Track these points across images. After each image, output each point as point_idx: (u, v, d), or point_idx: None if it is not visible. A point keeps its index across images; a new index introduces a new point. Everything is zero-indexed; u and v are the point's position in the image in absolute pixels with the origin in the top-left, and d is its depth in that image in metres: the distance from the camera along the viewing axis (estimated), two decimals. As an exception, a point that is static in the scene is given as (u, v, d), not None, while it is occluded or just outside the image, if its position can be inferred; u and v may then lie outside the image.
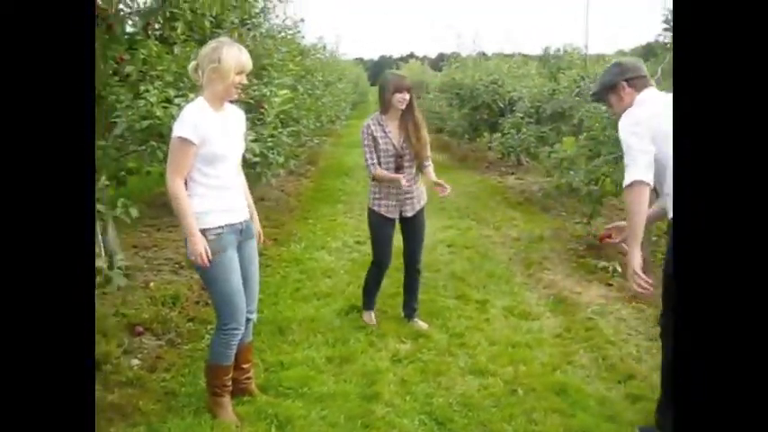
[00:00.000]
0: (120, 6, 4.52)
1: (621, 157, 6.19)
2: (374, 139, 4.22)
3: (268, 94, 5.49)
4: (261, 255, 6.06)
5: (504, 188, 10.56)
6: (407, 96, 4.20)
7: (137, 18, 4.90)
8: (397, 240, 4.53)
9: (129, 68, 4.85)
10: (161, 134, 4.17)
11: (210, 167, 3.04)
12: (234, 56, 2.99)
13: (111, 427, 3.20)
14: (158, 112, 4.12)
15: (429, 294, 5.16)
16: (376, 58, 77.01)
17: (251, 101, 5.28)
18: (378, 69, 48.83)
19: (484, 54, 16.93)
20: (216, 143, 3.01)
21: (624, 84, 3.14)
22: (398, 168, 4.25)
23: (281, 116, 5.51)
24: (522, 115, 10.97)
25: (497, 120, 12.64)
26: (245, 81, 3.11)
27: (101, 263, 3.76)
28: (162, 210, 7.48)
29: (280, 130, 5.53)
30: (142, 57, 4.79)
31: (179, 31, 4.83)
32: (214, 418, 3.24)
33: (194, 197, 3.02)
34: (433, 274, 5.72)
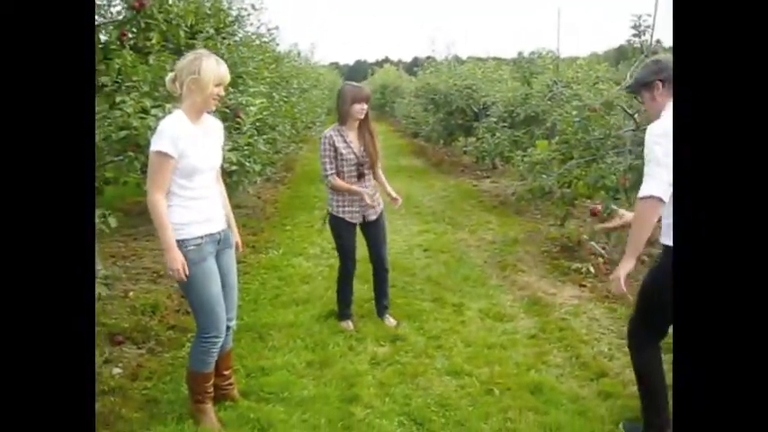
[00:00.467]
0: (96, 17, 4.55)
1: (593, 161, 6.37)
2: (335, 149, 4.33)
3: (244, 102, 5.54)
4: (239, 262, 6.10)
5: (479, 192, 10.68)
6: (366, 107, 4.34)
7: (111, 28, 4.93)
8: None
9: (104, 79, 4.88)
10: (138, 144, 4.19)
11: (188, 180, 3.06)
12: (212, 67, 3.02)
13: (94, 436, 3.23)
14: (135, 123, 4.14)
15: (406, 298, 5.24)
16: (351, 62, 76.97)
17: (227, 110, 5.32)
18: (353, 74, 48.89)
19: (458, 58, 17.07)
20: (194, 156, 3.03)
21: (659, 83, 2.91)
22: (360, 176, 4.40)
23: (258, 124, 5.55)
24: (496, 120, 11.10)
25: (472, 124, 12.78)
26: (222, 93, 3.14)
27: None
28: (138, 219, 7.48)
29: (256, 137, 5.57)
30: (117, 67, 4.82)
31: (154, 40, 4.87)
32: (197, 425, 3.28)
33: (173, 208, 3.05)
34: (409, 278, 5.80)
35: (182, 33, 4.93)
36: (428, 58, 17.98)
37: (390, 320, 4.74)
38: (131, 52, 4.87)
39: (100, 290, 3.90)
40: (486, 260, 6.48)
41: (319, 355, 4.16)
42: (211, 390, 3.36)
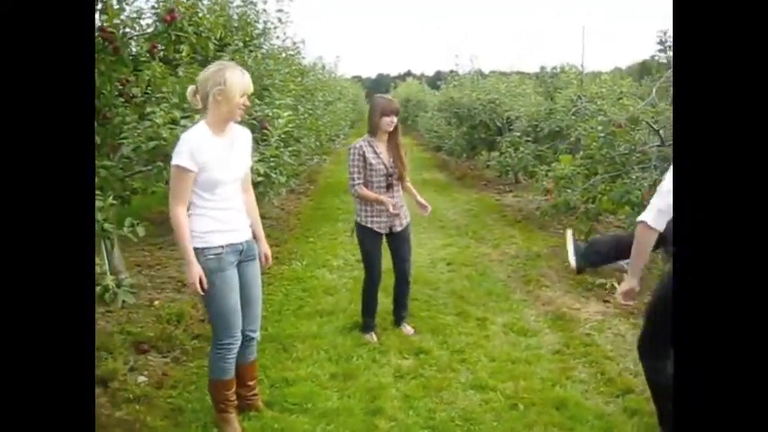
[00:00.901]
0: (127, 29, 4.62)
1: (618, 176, 6.33)
2: (364, 160, 4.38)
3: (271, 114, 5.59)
4: (263, 273, 6.15)
5: (502, 206, 10.65)
6: (395, 119, 4.41)
7: (142, 40, 5.00)
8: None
9: (134, 90, 4.95)
10: (167, 155, 4.23)
11: (210, 192, 3.08)
12: (238, 78, 3.04)
13: (120, 443, 3.26)
14: (164, 134, 4.19)
15: (430, 312, 5.24)
16: (374, 76, 77.35)
17: (254, 121, 5.37)
18: (376, 87, 49.07)
19: (481, 72, 17.07)
20: (216, 169, 3.04)
21: None
22: (389, 186, 4.45)
23: (283, 136, 5.60)
24: (519, 134, 11.07)
25: (495, 138, 12.75)
26: (248, 103, 3.16)
27: (108, 281, 3.82)
28: (164, 228, 7.53)
29: (281, 149, 5.61)
30: (147, 78, 4.89)
31: (183, 53, 4.93)
32: (221, 434, 3.30)
33: (194, 217, 3.08)
34: (433, 292, 5.79)
35: (211, 46, 4.98)
36: (451, 71, 17.97)
37: (408, 329, 4.78)
38: (161, 64, 4.94)
39: (126, 298, 3.92)
40: (510, 275, 6.46)
41: (343, 367, 4.17)
42: (234, 398, 3.38)
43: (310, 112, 8.85)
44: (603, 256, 3.77)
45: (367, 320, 4.73)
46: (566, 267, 6.59)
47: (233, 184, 3.19)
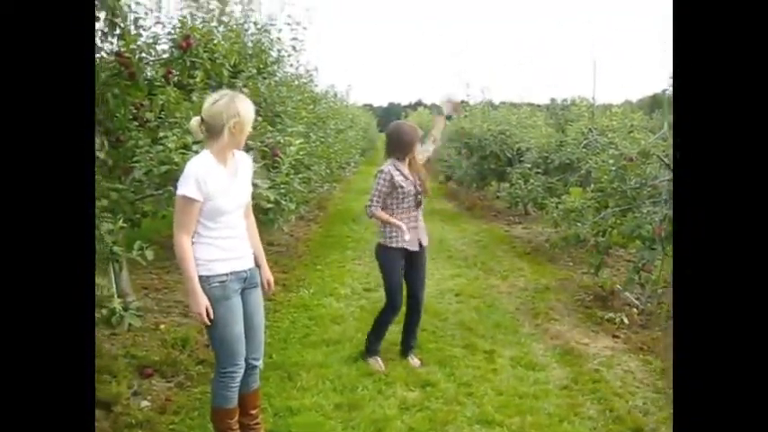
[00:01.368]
0: (143, 54, 4.68)
1: (629, 210, 6.30)
2: (393, 184, 4.48)
3: (282, 141, 5.61)
4: (269, 300, 6.12)
5: (512, 238, 10.61)
6: (420, 146, 4.73)
7: (157, 65, 5.06)
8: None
9: (148, 114, 4.99)
10: (177, 179, 4.25)
11: (213, 221, 3.07)
12: (249, 109, 3.08)
13: (121, 469, 3.22)
14: (176, 158, 4.21)
15: (437, 343, 5.19)
16: (385, 104, 77.82)
17: (266, 148, 5.39)
18: (387, 116, 49.32)
19: (492, 103, 17.12)
20: (220, 198, 3.04)
21: None
22: (418, 205, 4.62)
23: (294, 163, 5.61)
24: (530, 165, 11.10)
25: (505, 169, 12.77)
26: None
27: (115, 304, 3.81)
28: (172, 252, 7.52)
29: (292, 176, 5.62)
30: (161, 103, 4.93)
31: (198, 78, 4.98)
32: (223, 462, 3.26)
33: (198, 245, 3.06)
34: (440, 323, 5.75)
35: (225, 72, 5.04)
36: (462, 102, 18.04)
37: (415, 360, 4.75)
38: (175, 89, 4.98)
39: (132, 321, 3.91)
40: (518, 307, 6.41)
41: (348, 398, 4.12)
42: (236, 427, 3.34)
43: (322, 139, 8.89)
44: None
45: (374, 345, 4.71)
46: (575, 301, 6.55)
47: (237, 212, 3.20)
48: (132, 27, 5.04)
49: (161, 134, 4.45)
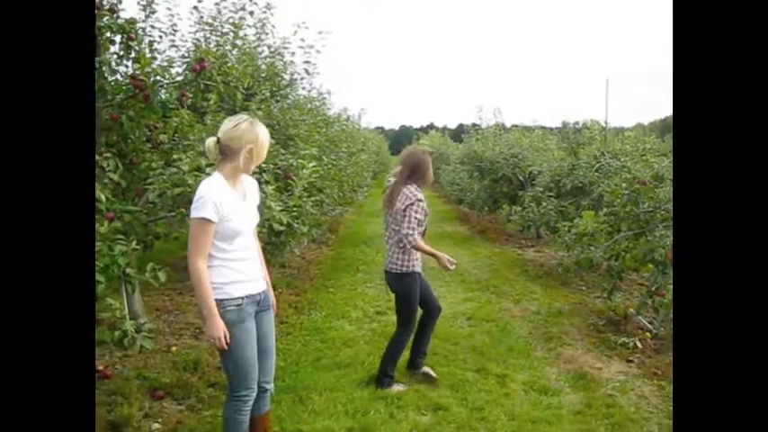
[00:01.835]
0: (157, 77, 4.73)
1: (641, 234, 6.28)
2: (426, 212, 4.54)
3: (295, 164, 5.63)
4: (282, 323, 6.11)
5: (524, 261, 10.56)
6: None
7: (172, 88, 5.11)
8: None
9: (162, 136, 5.04)
10: (191, 201, 4.28)
11: (228, 243, 3.07)
12: (266, 134, 3.12)
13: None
14: (189, 180, 4.24)
15: (449, 367, 5.15)
16: (397, 127, 78.16)
17: (279, 171, 5.41)
18: (398, 139, 49.50)
19: (504, 126, 17.16)
20: (235, 220, 3.05)
21: None
22: (424, 231, 4.63)
23: (306, 186, 5.64)
24: (542, 189, 11.08)
25: (517, 192, 12.76)
26: None
27: (127, 325, 3.83)
28: (184, 274, 7.56)
29: (305, 199, 5.64)
30: (174, 125, 4.97)
31: (212, 101, 5.02)
32: (233, 486, 3.23)
33: (213, 268, 3.05)
34: (452, 347, 5.71)
35: (239, 95, 5.07)
36: (474, 125, 18.09)
37: (428, 370, 4.90)
38: (189, 111, 5.03)
39: (145, 343, 3.92)
40: (531, 331, 6.36)
41: (360, 422, 4.09)
42: (248, 450, 3.32)
43: (334, 162, 8.92)
44: None
45: (391, 373, 4.68)
46: (588, 325, 6.50)
47: (249, 233, 3.21)
48: (147, 50, 5.10)
49: (174, 156, 4.48)
